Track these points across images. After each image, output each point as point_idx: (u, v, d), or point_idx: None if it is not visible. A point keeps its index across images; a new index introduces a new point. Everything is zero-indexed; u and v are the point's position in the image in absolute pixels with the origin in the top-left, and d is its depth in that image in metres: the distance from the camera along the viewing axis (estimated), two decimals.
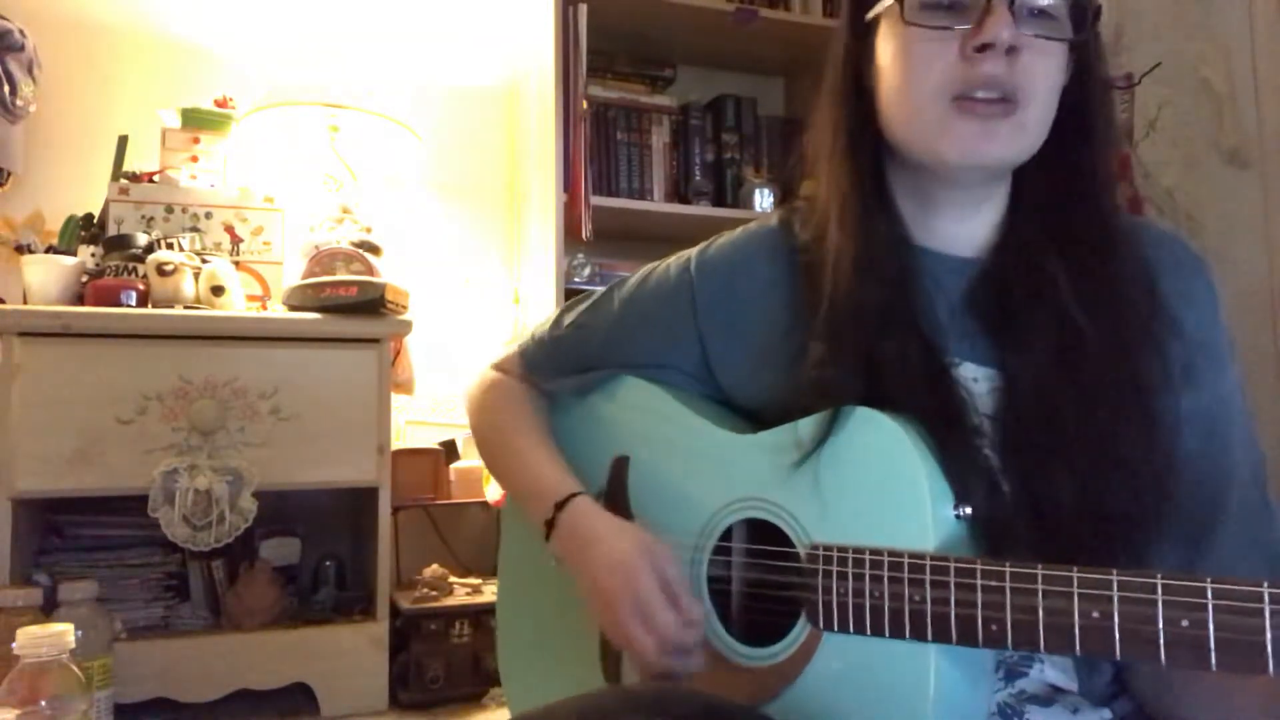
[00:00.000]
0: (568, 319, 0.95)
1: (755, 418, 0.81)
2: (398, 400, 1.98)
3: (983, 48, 0.68)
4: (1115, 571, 0.55)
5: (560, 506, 0.83)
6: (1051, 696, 0.71)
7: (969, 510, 0.65)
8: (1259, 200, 1.98)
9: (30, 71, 1.93)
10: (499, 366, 1.02)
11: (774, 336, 0.80)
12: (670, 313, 0.87)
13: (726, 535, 0.78)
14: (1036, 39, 0.69)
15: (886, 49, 0.73)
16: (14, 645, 1.01)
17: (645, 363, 0.89)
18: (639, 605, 0.74)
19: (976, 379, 0.73)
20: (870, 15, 0.75)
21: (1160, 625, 0.53)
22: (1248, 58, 2.01)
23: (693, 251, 0.90)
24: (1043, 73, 0.70)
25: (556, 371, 0.95)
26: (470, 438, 2.07)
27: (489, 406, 0.99)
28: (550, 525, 0.83)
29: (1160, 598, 0.54)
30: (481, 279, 2.37)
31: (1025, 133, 0.71)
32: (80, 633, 1.11)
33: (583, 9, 2.12)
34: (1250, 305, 1.93)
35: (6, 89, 1.86)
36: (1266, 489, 0.75)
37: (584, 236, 2.07)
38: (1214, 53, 2.07)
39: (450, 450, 2.09)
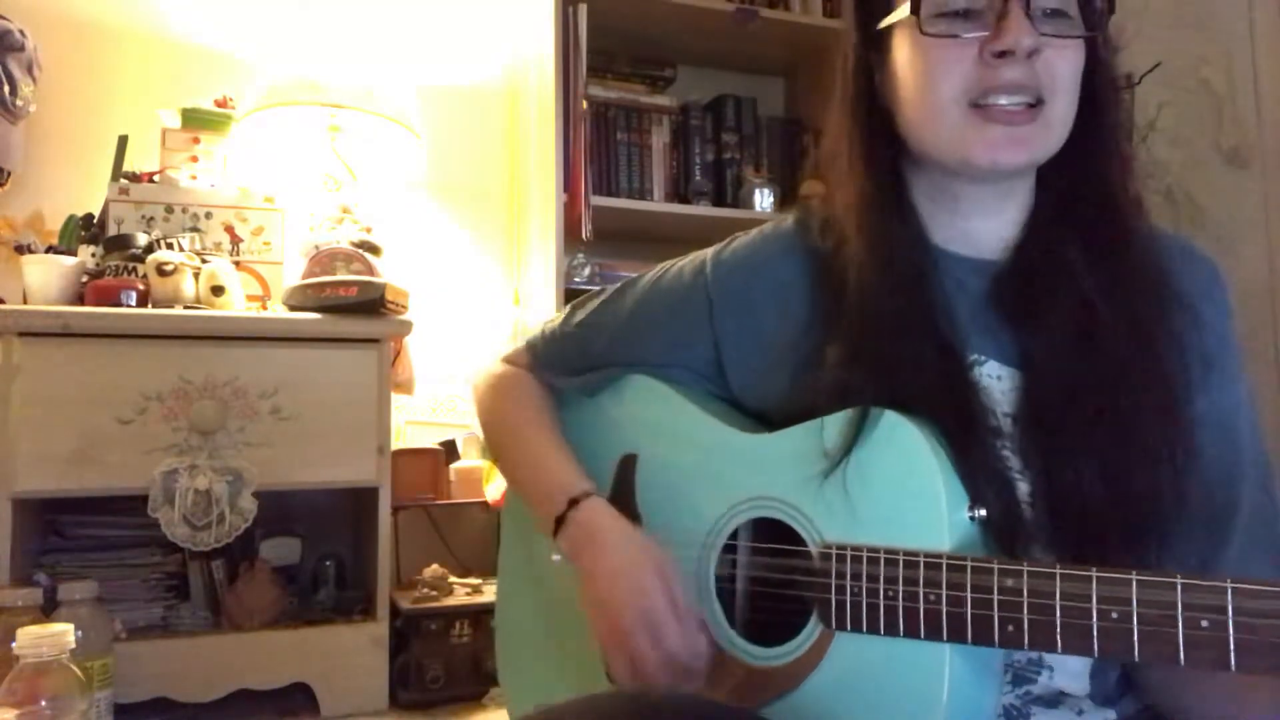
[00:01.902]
0: (578, 316, 0.95)
1: (762, 417, 0.81)
2: (398, 400, 1.98)
3: (1002, 54, 0.68)
4: (1134, 572, 0.55)
5: (574, 504, 0.82)
6: (1057, 698, 0.70)
7: (983, 512, 0.65)
8: (1259, 200, 1.98)
9: (30, 71, 1.93)
10: (508, 359, 1.02)
11: (790, 339, 0.79)
12: (685, 315, 0.87)
13: (735, 534, 0.77)
14: (1054, 37, 0.69)
15: (902, 57, 0.73)
16: (14, 645, 1.02)
17: (656, 362, 0.89)
18: (647, 619, 0.73)
19: (1000, 377, 0.73)
20: (883, 25, 0.75)
21: (1180, 626, 0.53)
22: (1248, 58, 2.02)
23: (708, 253, 0.89)
24: (1063, 68, 0.70)
25: (566, 368, 0.95)
26: (470, 437, 2.08)
27: (498, 398, 0.99)
28: (560, 521, 0.83)
29: (1180, 598, 0.54)
30: (481, 279, 2.37)
31: (1051, 130, 0.71)
32: (80, 633, 1.11)
33: (583, 9, 2.12)
34: (1251, 305, 1.93)
35: (6, 89, 1.86)
36: (1273, 489, 0.75)
37: (584, 236, 2.07)
38: (1214, 53, 2.07)
39: (450, 450, 2.09)
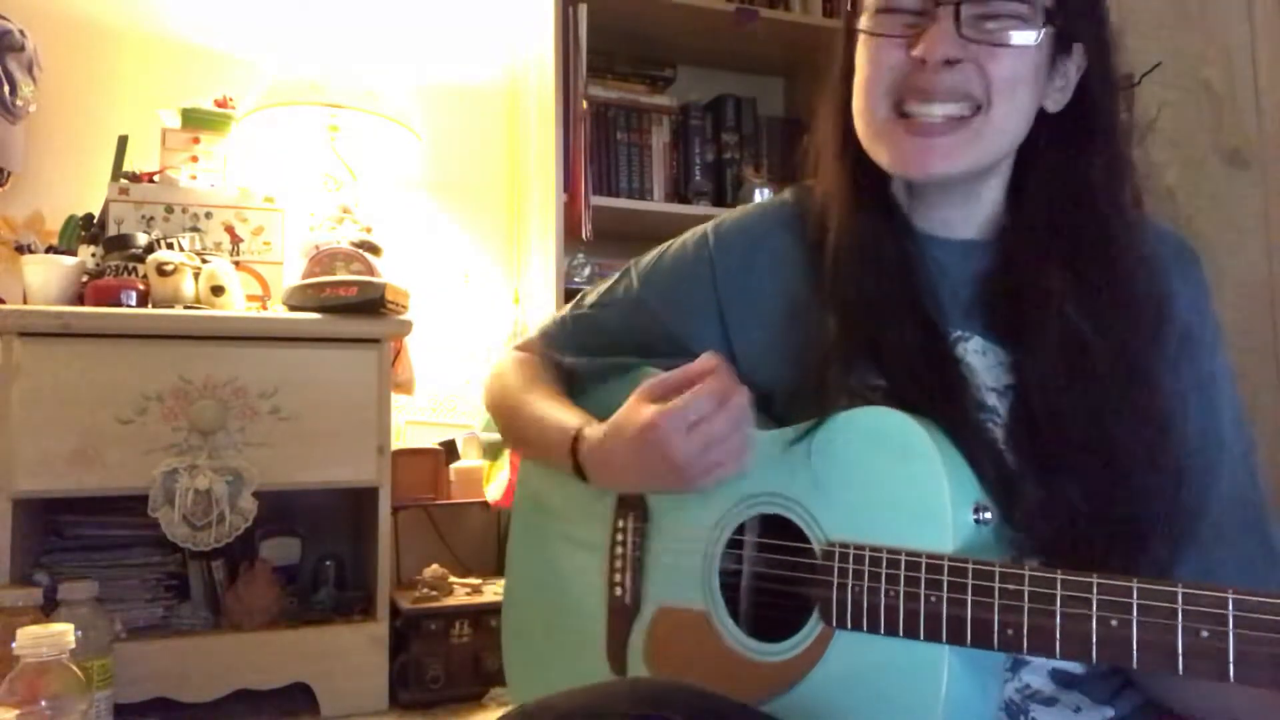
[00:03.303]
0: (590, 299, 0.98)
1: (769, 404, 0.82)
2: (398, 400, 1.98)
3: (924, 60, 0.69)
4: (1135, 580, 0.55)
5: (575, 452, 0.83)
6: (1055, 695, 0.71)
7: (989, 515, 0.65)
8: (1259, 200, 1.98)
9: (30, 71, 1.93)
10: (520, 346, 1.05)
11: (787, 313, 0.81)
12: (690, 286, 0.89)
13: (740, 530, 0.78)
14: (984, 46, 0.69)
15: (855, 57, 0.76)
16: (14, 645, 1.01)
17: (666, 349, 0.89)
18: (669, 433, 0.72)
19: (985, 353, 0.74)
20: (855, 25, 0.77)
21: (1179, 636, 0.53)
22: (1248, 58, 2.01)
23: (708, 225, 0.91)
24: (999, 72, 0.70)
25: (577, 348, 0.97)
26: (470, 438, 2.08)
27: (501, 379, 1.01)
28: (580, 472, 0.84)
29: (1180, 607, 0.53)
30: (482, 279, 2.37)
31: (984, 137, 0.71)
32: (80, 633, 1.11)
33: (583, 9, 2.12)
34: (1250, 304, 1.93)
35: (6, 89, 1.86)
36: (1256, 472, 0.76)
37: (584, 236, 2.07)
38: (1214, 53, 2.07)
39: (450, 450, 2.09)
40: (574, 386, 0.98)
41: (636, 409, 0.76)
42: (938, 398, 0.69)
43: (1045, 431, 0.69)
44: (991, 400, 0.72)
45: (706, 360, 0.75)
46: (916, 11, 0.71)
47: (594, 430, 0.83)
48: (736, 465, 0.75)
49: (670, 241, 0.94)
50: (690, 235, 0.92)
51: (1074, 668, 0.71)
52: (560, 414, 0.88)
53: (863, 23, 0.72)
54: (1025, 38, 0.69)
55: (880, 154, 0.74)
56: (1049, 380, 0.70)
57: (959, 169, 0.72)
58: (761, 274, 0.85)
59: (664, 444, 0.72)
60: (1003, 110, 0.70)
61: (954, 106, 0.70)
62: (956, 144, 0.70)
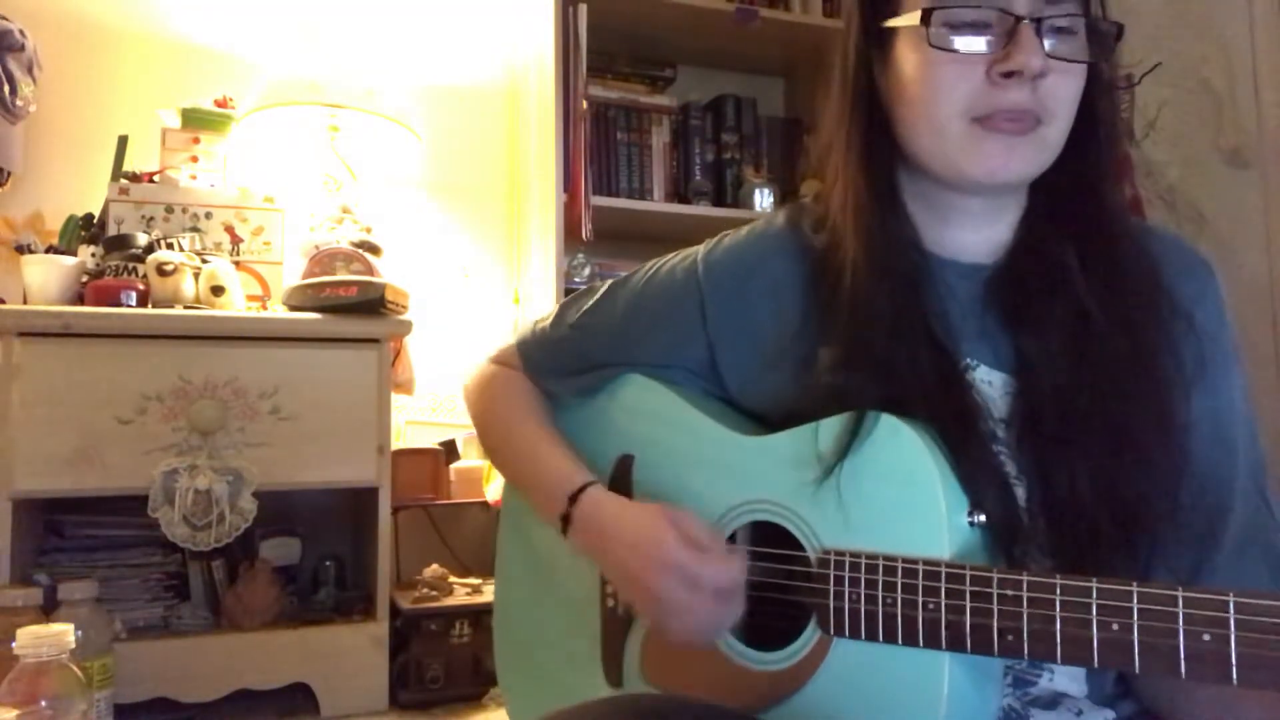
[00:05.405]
0: (570, 318, 0.93)
1: (761, 418, 0.81)
2: (398, 400, 1.98)
3: (1010, 73, 0.68)
4: (1135, 584, 0.55)
5: (574, 500, 0.82)
6: (1056, 700, 0.70)
7: (983, 518, 0.65)
8: (1259, 200, 1.98)
9: (30, 71, 1.93)
10: (497, 360, 1.01)
11: (785, 338, 0.79)
12: (678, 317, 0.86)
13: (733, 538, 0.77)
14: (1062, 61, 0.69)
15: (908, 63, 0.72)
16: (14, 645, 1.01)
17: (651, 362, 0.88)
18: (673, 570, 0.71)
19: (991, 382, 0.73)
20: (889, 24, 0.74)
21: (1181, 639, 0.53)
22: (1248, 58, 2.02)
23: (698, 251, 0.88)
24: (1065, 92, 0.70)
25: (559, 371, 0.94)
26: (470, 437, 2.08)
27: (490, 400, 0.98)
28: (566, 520, 0.82)
29: (1181, 610, 0.53)
30: (482, 279, 2.37)
31: (1046, 147, 0.71)
32: (80, 633, 1.11)
33: (583, 9, 2.12)
34: (1251, 304, 1.93)
35: (6, 89, 1.86)
36: (1266, 488, 0.75)
37: (584, 236, 2.07)
38: (1214, 53, 2.07)
39: (450, 450, 2.09)
40: (557, 400, 0.96)
41: (662, 525, 0.74)
42: (952, 427, 0.68)
43: (1055, 436, 0.68)
44: (1001, 431, 0.71)
45: (741, 564, 0.73)
46: (988, 25, 0.69)
47: (600, 494, 0.81)
48: (690, 640, 0.74)
49: (656, 263, 0.90)
50: (679, 262, 0.88)
51: (1076, 690, 0.70)
52: (559, 462, 0.86)
53: (935, 40, 0.69)
54: (1085, 52, 0.70)
55: (961, 163, 0.71)
56: (1058, 374, 0.69)
57: (1032, 170, 0.72)
58: (754, 305, 0.82)
59: (658, 570, 0.72)
60: (1059, 129, 0.71)
61: (1029, 121, 0.69)
62: (1030, 146, 0.70)
